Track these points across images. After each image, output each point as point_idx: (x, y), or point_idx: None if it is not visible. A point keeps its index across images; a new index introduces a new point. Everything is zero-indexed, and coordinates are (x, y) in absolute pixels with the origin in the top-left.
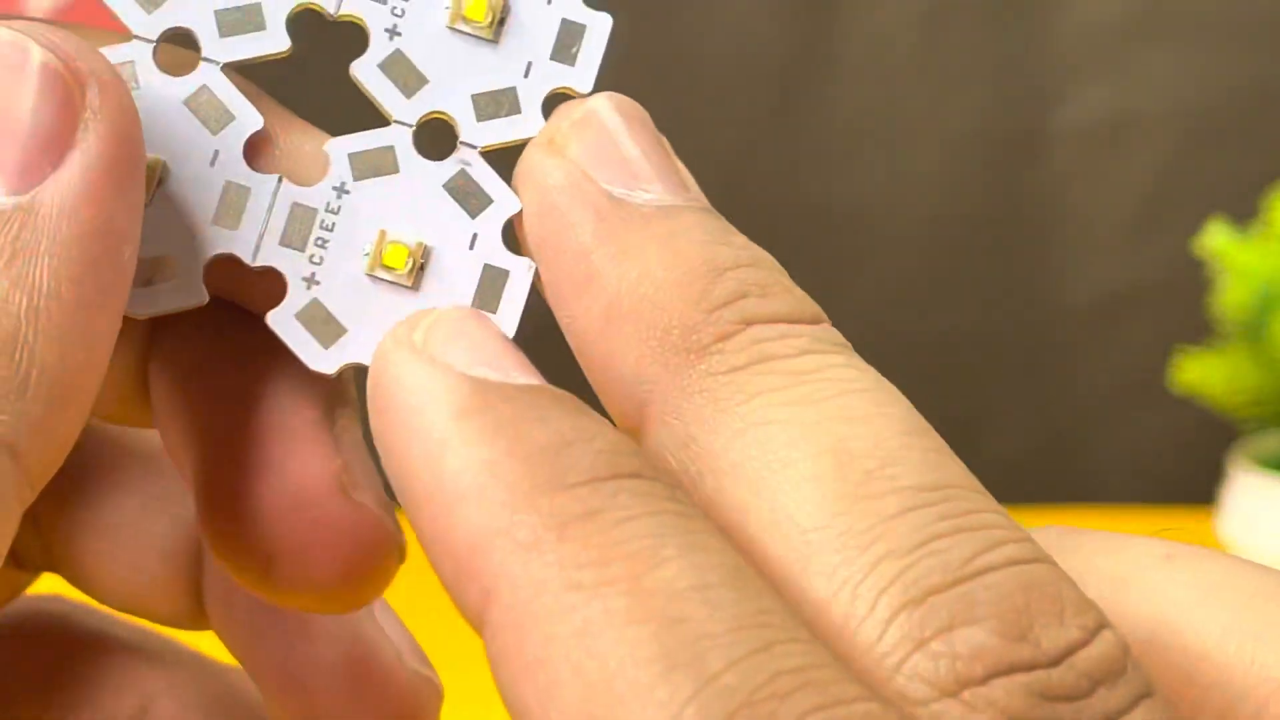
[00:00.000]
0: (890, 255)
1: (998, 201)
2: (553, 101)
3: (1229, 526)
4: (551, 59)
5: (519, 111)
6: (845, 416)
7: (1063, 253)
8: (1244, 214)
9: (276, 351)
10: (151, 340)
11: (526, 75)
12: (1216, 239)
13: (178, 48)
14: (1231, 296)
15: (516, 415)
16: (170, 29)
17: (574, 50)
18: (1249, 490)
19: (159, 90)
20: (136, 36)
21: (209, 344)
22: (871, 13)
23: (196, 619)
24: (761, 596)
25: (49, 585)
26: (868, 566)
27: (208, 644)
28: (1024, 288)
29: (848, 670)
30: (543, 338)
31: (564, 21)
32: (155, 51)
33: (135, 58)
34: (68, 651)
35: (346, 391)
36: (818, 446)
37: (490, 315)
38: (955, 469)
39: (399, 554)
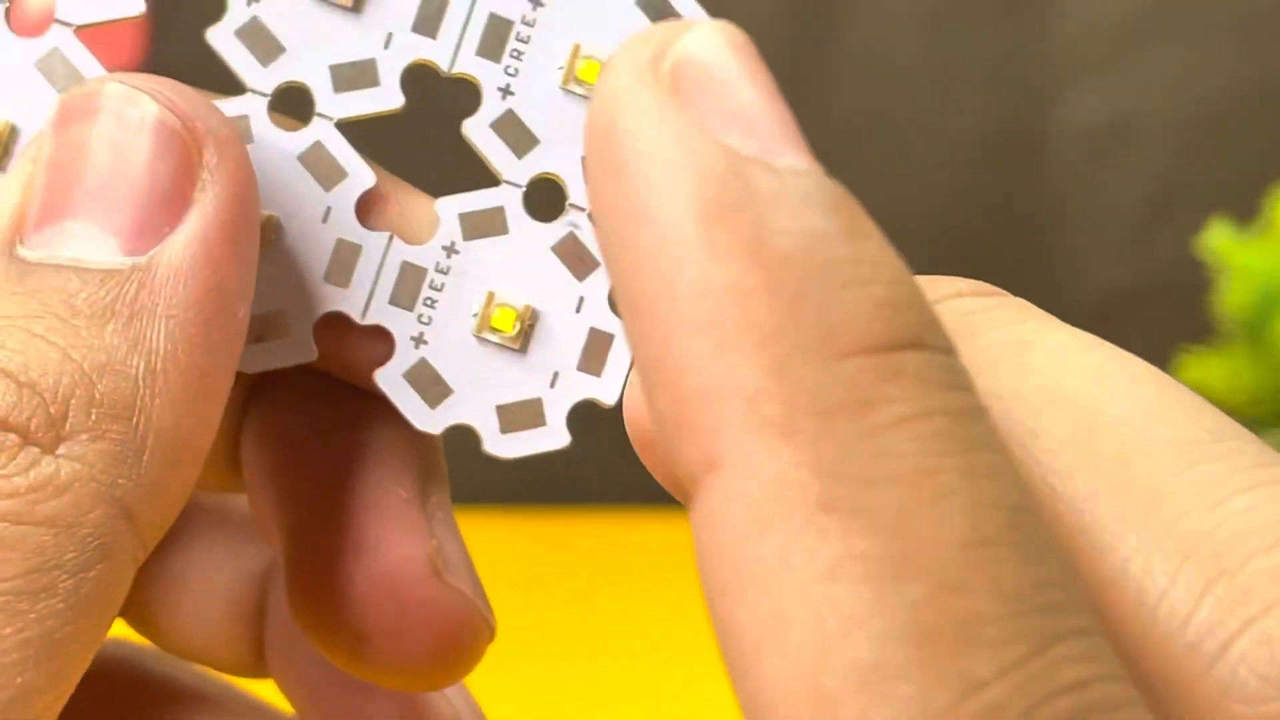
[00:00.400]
0: None
1: (998, 201)
2: None
3: None
4: None
5: None
6: None
7: (1063, 252)
8: (1246, 214)
9: (371, 426)
10: (246, 408)
11: None
12: (1218, 239)
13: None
14: (1233, 296)
15: (783, 226)
16: (285, 83)
17: None
18: None
19: (273, 145)
20: (251, 90)
21: (303, 416)
22: (872, 13)
23: (258, 668)
24: (1045, 558)
25: (115, 630)
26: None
27: (268, 693)
28: (1024, 288)
29: (1126, 677)
30: None
31: None
32: (269, 106)
33: (250, 112)
34: (133, 695)
35: (439, 470)
36: None
37: (595, 379)
38: None
39: (490, 636)
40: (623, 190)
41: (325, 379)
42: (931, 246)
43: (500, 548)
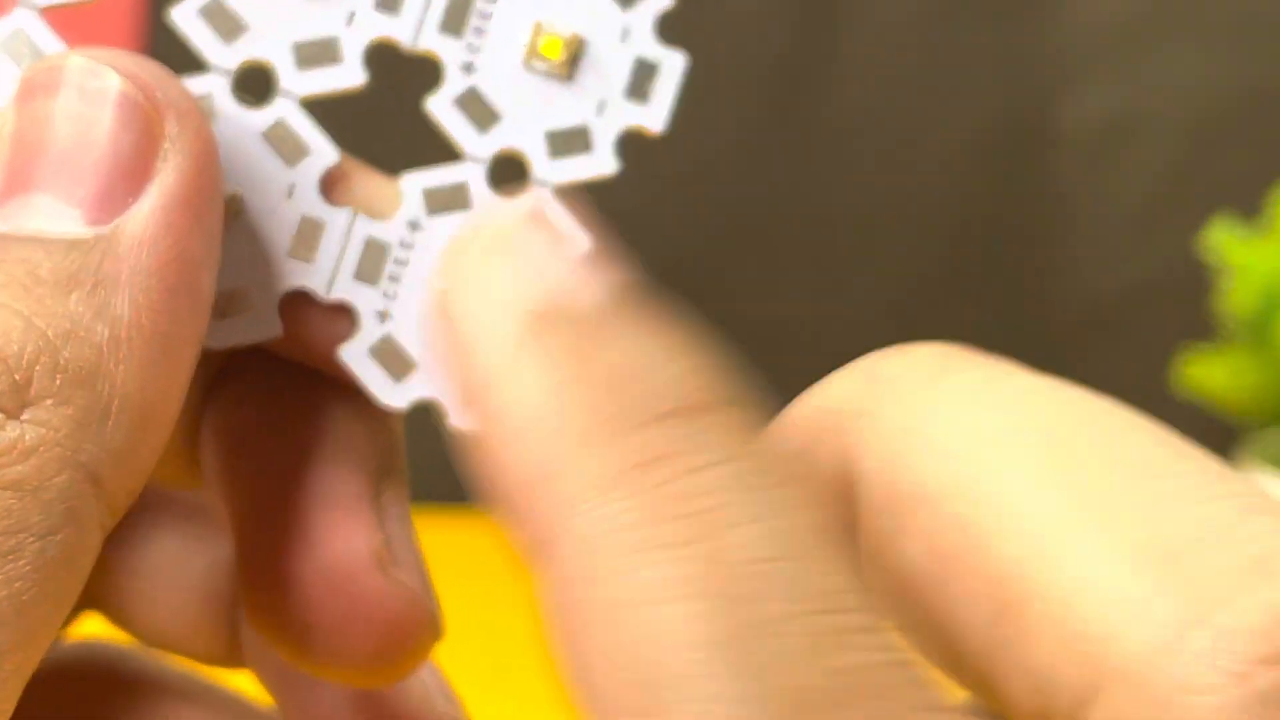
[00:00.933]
0: (890, 255)
1: (999, 201)
2: (626, 139)
3: None
4: (626, 97)
5: (591, 149)
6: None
7: (1065, 252)
8: (1248, 213)
9: (327, 420)
10: (204, 405)
11: (600, 113)
12: (1221, 238)
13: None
14: (1236, 295)
15: (575, 343)
16: (247, 61)
17: (648, 89)
18: None
19: (236, 122)
20: (214, 67)
21: (261, 410)
22: (873, 12)
23: (233, 658)
24: (832, 571)
25: (93, 628)
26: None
27: (246, 685)
28: (1026, 287)
29: (914, 667)
30: None
31: (638, 60)
32: (232, 83)
33: (213, 89)
34: (111, 693)
35: (396, 465)
36: None
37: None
38: None
39: (436, 631)
40: (454, 348)
41: (285, 374)
42: (932, 246)
43: (495, 548)
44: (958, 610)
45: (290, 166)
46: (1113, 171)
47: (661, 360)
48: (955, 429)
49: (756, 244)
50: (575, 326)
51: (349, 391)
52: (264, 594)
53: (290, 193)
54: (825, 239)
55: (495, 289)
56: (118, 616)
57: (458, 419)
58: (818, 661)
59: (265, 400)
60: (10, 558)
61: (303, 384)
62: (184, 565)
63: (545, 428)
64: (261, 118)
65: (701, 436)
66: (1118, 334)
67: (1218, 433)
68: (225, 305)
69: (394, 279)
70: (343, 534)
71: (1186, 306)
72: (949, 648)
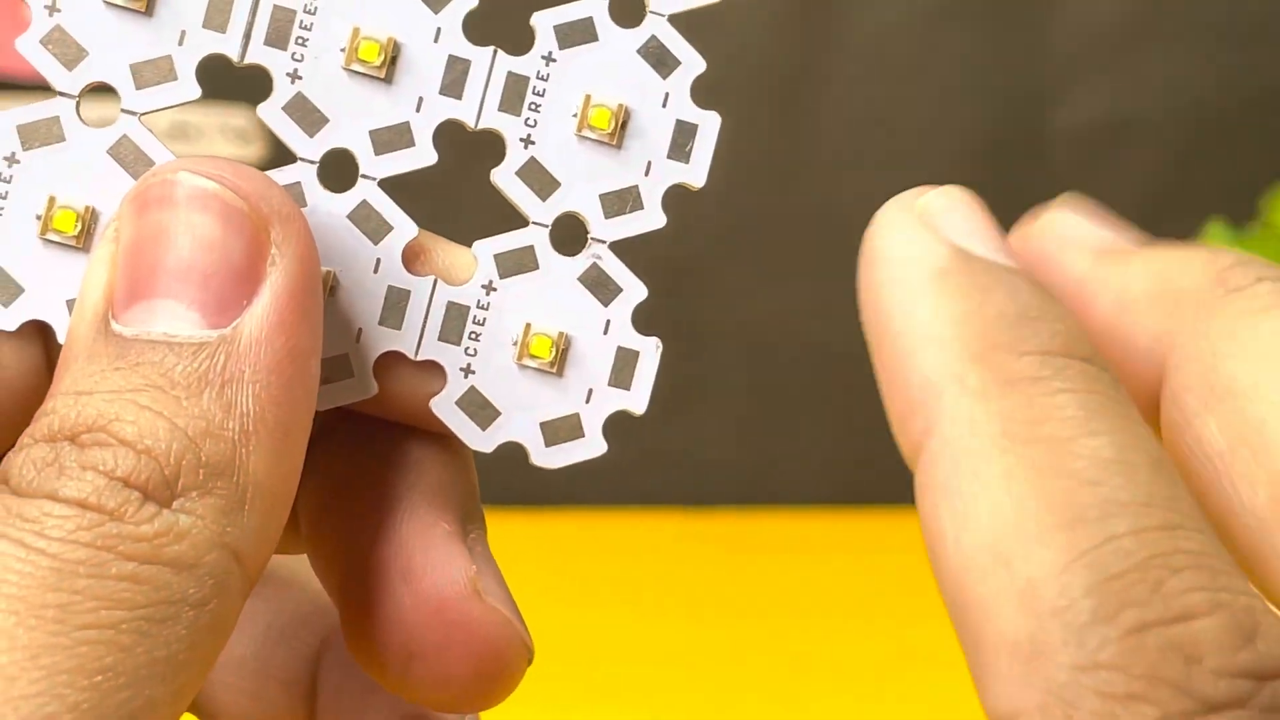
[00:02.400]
0: None
1: (995, 203)
2: (671, 196)
3: None
4: (669, 157)
5: (642, 207)
6: None
7: None
8: (1243, 215)
9: (414, 471)
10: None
11: (647, 174)
12: (1215, 240)
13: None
14: None
15: (990, 284)
16: (331, 149)
17: (688, 148)
18: None
19: (324, 207)
20: (301, 159)
21: (351, 465)
22: (871, 14)
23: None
24: (1178, 485)
25: None
26: None
27: None
28: None
29: (1239, 569)
30: None
31: (678, 122)
32: (319, 173)
33: (302, 179)
34: None
35: (477, 510)
36: None
37: (625, 392)
38: None
39: (528, 655)
40: (883, 268)
41: (369, 431)
42: None
43: (498, 548)
44: (1239, 489)
45: (375, 243)
46: (1107, 174)
47: (1040, 309)
48: (1271, 346)
49: (755, 243)
50: (993, 274)
51: (431, 443)
52: (368, 626)
53: (377, 267)
54: (824, 239)
55: (919, 238)
56: (200, 706)
57: (540, 458)
58: (1158, 539)
59: (355, 456)
60: (169, 624)
61: (387, 439)
62: (266, 654)
63: (957, 339)
64: (346, 200)
65: (1079, 372)
66: None
67: None
68: (327, 373)
69: (474, 337)
70: (440, 566)
71: None
72: (1223, 520)
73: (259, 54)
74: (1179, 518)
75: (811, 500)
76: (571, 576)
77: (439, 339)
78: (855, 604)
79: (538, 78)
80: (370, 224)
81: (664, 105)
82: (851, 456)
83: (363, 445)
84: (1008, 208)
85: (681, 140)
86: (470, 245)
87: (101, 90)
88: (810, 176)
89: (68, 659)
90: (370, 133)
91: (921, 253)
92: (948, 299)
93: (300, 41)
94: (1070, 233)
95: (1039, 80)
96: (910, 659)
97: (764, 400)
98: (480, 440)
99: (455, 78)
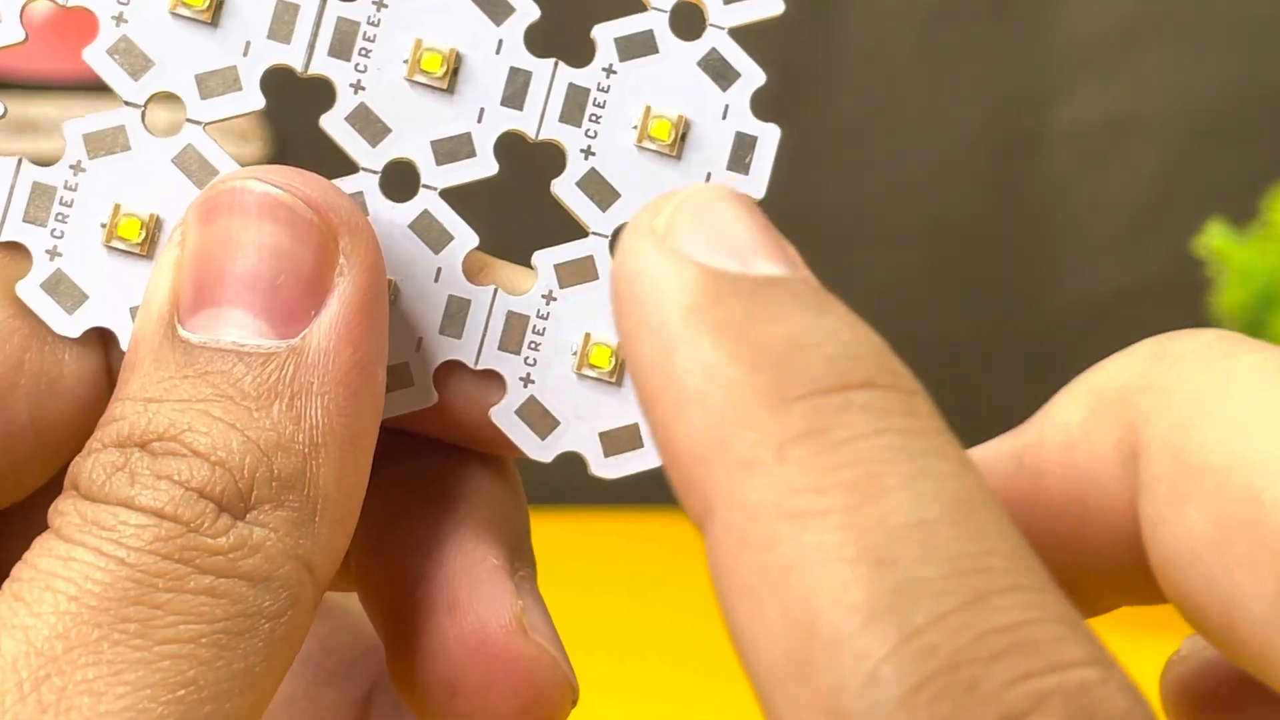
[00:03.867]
0: (890, 255)
1: (997, 202)
2: None
3: None
4: (728, 169)
5: None
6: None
7: (1062, 253)
8: (1244, 214)
9: (464, 505)
10: None
11: None
12: (1216, 239)
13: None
14: (1231, 296)
15: (747, 313)
16: (393, 160)
17: (748, 160)
18: None
19: (386, 216)
20: (363, 168)
21: (404, 494)
22: (871, 14)
23: None
24: (985, 534)
25: None
26: None
27: None
28: (1023, 288)
29: (1074, 623)
30: None
31: (738, 134)
32: (380, 182)
33: (364, 188)
34: None
35: (526, 547)
36: None
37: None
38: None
39: (573, 695)
40: (630, 314)
41: (425, 457)
42: (928, 247)
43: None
44: (1238, 579)
45: (436, 253)
46: (1108, 173)
47: (827, 336)
48: (1246, 405)
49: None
50: (749, 297)
51: (484, 479)
52: (413, 659)
53: (438, 276)
54: (822, 240)
55: (662, 269)
56: None
57: (599, 468)
58: (966, 621)
59: (406, 489)
60: (247, 636)
61: (440, 472)
62: (315, 698)
63: (715, 397)
64: (408, 210)
65: (861, 410)
66: (1113, 335)
67: None
68: (388, 381)
69: (534, 346)
70: (485, 600)
71: (1181, 308)
72: (1226, 616)
73: (323, 64)
74: (988, 579)
75: None
76: (571, 576)
77: (499, 348)
78: None
79: (598, 89)
80: (432, 233)
81: (724, 117)
82: None
83: (414, 479)
84: (1008, 208)
85: (741, 152)
86: (526, 255)
87: (165, 99)
88: (810, 176)
89: (150, 673)
90: (432, 143)
91: (666, 288)
92: (701, 346)
93: (364, 52)
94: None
95: (1039, 80)
96: None
97: None
98: (539, 450)
99: (517, 89)
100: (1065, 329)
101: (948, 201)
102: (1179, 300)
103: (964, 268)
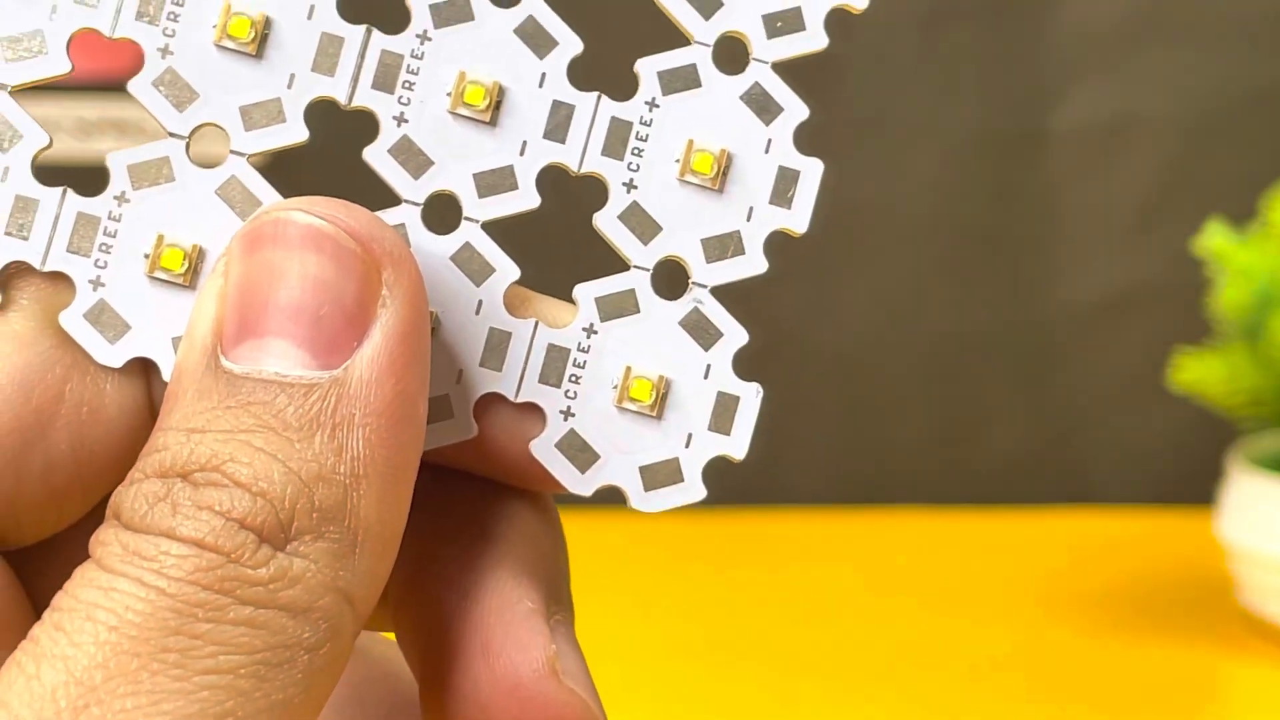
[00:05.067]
0: (890, 255)
1: (997, 202)
2: (773, 241)
3: (1228, 526)
4: (770, 203)
5: (743, 252)
6: None
7: (1062, 253)
8: (1243, 214)
9: (502, 546)
10: None
11: (749, 219)
12: (1215, 239)
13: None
14: (1230, 296)
15: None
16: (435, 192)
17: (790, 194)
18: (1248, 490)
19: (428, 249)
20: (405, 200)
21: (440, 542)
22: (871, 13)
23: None
24: None
25: None
26: None
27: None
28: (1023, 288)
29: None
30: None
31: (780, 169)
32: (422, 214)
33: (406, 220)
34: None
35: (564, 589)
36: None
37: (725, 437)
38: None
39: None
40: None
41: (463, 504)
42: (928, 247)
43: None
44: None
45: (477, 285)
46: (1107, 173)
47: None
48: None
49: None
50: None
51: (524, 520)
52: (444, 700)
53: (479, 309)
54: (822, 239)
55: None
56: None
57: (638, 502)
58: None
59: (445, 529)
60: (285, 668)
61: (480, 513)
62: None
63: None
64: (449, 242)
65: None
66: (1113, 334)
67: (1213, 434)
68: (429, 414)
69: (575, 380)
70: (519, 643)
71: (1181, 308)
72: None
73: (366, 97)
74: None
75: (811, 500)
76: (572, 576)
77: (539, 381)
78: (855, 604)
79: (641, 123)
80: (473, 265)
81: (766, 151)
82: (851, 456)
83: (454, 516)
84: (1008, 208)
85: (783, 186)
86: (567, 289)
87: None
88: None
89: (189, 704)
90: (474, 175)
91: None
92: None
93: (407, 85)
94: None
95: (1038, 81)
96: (910, 659)
97: (764, 399)
98: (579, 484)
99: (559, 122)
100: (1064, 328)
101: (948, 201)
102: (1179, 300)
103: (964, 267)
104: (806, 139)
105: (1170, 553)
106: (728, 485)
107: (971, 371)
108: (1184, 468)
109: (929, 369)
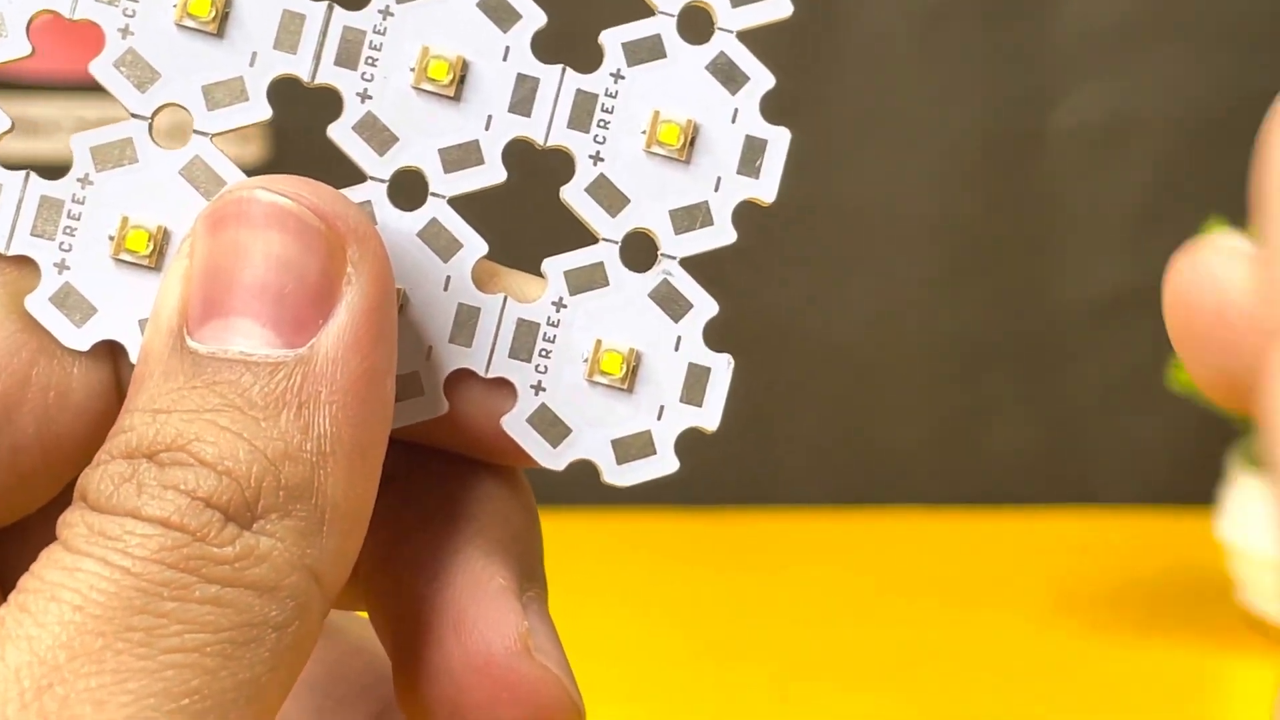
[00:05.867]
0: (890, 255)
1: (997, 201)
2: (742, 211)
3: (1228, 527)
4: (738, 173)
5: (712, 223)
6: None
7: (1062, 253)
8: (1242, 215)
9: (474, 523)
10: None
11: (717, 190)
12: None
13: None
14: None
15: None
16: (401, 168)
17: (758, 164)
18: (1248, 490)
19: (394, 225)
20: (370, 177)
21: (411, 521)
22: (871, 12)
23: None
24: None
25: None
26: None
27: None
28: (1023, 288)
29: None
30: None
31: (748, 138)
32: (388, 191)
33: (372, 197)
34: None
35: (537, 566)
36: None
37: (697, 408)
38: None
39: (578, 717)
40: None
41: (436, 482)
42: (928, 247)
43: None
44: None
45: (445, 261)
46: (1107, 174)
47: None
48: None
49: (753, 243)
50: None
51: (496, 498)
52: (417, 679)
53: (447, 285)
54: (822, 239)
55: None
56: None
57: (611, 476)
58: None
59: (417, 507)
60: (253, 646)
61: (452, 491)
62: None
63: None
64: (416, 218)
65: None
66: (1113, 334)
67: (1213, 434)
68: (397, 391)
69: (545, 354)
70: (490, 620)
71: None
72: None
73: (329, 74)
74: None
75: (811, 500)
76: (571, 576)
77: (509, 356)
78: (855, 604)
79: (606, 95)
80: (440, 241)
81: (733, 121)
82: (852, 457)
83: (425, 494)
84: (1007, 208)
85: (751, 156)
86: (535, 263)
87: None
88: (809, 175)
89: (155, 682)
90: (440, 151)
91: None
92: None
93: (370, 61)
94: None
95: (1038, 81)
96: (910, 659)
97: (764, 399)
98: (551, 458)
99: (524, 95)
100: (1064, 328)
101: (947, 201)
102: None
103: (964, 267)
104: (806, 139)
105: (1170, 553)
106: (727, 485)
107: (972, 372)
108: (1184, 468)
109: (929, 369)
